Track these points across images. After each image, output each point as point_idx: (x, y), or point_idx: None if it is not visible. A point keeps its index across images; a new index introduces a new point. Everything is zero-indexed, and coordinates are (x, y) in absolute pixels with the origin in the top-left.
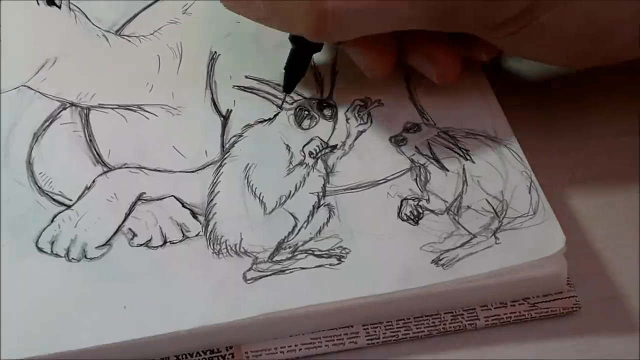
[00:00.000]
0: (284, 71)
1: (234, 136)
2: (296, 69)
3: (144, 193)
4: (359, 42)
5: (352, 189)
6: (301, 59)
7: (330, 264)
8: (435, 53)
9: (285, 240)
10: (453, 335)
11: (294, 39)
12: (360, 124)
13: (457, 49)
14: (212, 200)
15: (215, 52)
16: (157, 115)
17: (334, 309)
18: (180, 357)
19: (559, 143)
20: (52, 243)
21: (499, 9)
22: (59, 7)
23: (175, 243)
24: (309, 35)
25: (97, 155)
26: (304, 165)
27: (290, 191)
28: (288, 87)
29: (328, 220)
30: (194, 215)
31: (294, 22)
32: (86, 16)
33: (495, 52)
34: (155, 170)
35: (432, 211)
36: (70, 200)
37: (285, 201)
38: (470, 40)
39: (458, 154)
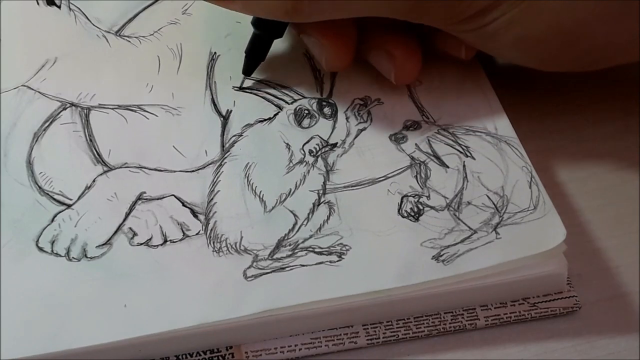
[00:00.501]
0: (244, 54)
1: (234, 136)
2: (257, 53)
3: (144, 192)
4: (321, 32)
5: (352, 186)
6: (263, 44)
7: (331, 261)
8: (395, 52)
9: (286, 238)
10: (453, 335)
11: (256, 24)
12: (360, 123)
13: (418, 52)
14: (212, 199)
15: (215, 53)
16: (157, 116)
17: (334, 308)
18: (180, 357)
19: (559, 142)
20: (53, 242)
21: (462, 3)
22: (59, 7)
23: (176, 242)
24: (283, 14)
25: (97, 155)
26: (304, 164)
27: (291, 189)
28: (247, 71)
29: (328, 218)
30: (194, 214)
31: (265, 3)
32: (86, 16)
33: (474, 50)
34: (155, 169)
35: (432, 207)
36: (71, 199)
37: (285, 199)
38: (448, 37)
39: (458, 150)
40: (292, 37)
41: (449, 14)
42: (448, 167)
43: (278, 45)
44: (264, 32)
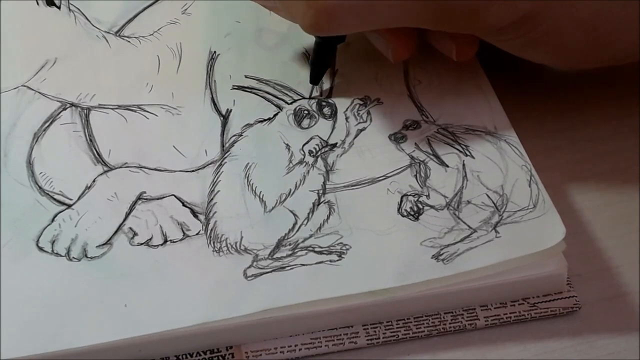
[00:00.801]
0: (310, 65)
1: (234, 135)
2: (322, 61)
3: (144, 192)
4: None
5: (352, 186)
6: (326, 51)
7: (331, 260)
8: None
9: (286, 238)
10: (453, 335)
11: None
12: (360, 122)
13: None
14: (212, 199)
15: (215, 52)
16: (157, 115)
17: (334, 308)
18: (180, 357)
19: (559, 142)
20: (53, 242)
21: (492, 15)
22: (59, 7)
23: (176, 242)
24: (306, 29)
25: (97, 155)
26: (304, 164)
27: (290, 189)
28: (315, 79)
29: (328, 217)
30: (194, 214)
31: (296, 16)
32: (86, 17)
33: (470, 54)
34: (155, 169)
35: (432, 207)
36: (71, 199)
37: (285, 199)
38: (442, 37)
39: (458, 149)
40: (293, 36)
41: (475, 27)
42: (448, 166)
43: (278, 46)
44: (325, 38)
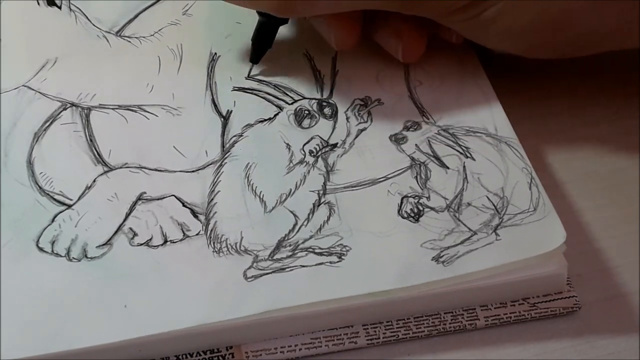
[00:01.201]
0: (250, 42)
1: (234, 136)
2: (263, 40)
3: (145, 193)
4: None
5: (352, 187)
6: (268, 31)
7: (331, 262)
8: (402, 30)
9: (286, 239)
10: (453, 335)
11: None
12: (361, 123)
13: (424, 29)
14: (212, 199)
15: (216, 54)
16: (157, 116)
17: (334, 309)
18: (180, 357)
19: (559, 142)
20: (53, 243)
21: None
22: (60, 7)
23: (176, 242)
24: (276, 11)
25: (97, 155)
26: (304, 164)
27: (291, 189)
28: (255, 58)
29: (328, 218)
30: (195, 214)
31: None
32: (86, 17)
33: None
34: (155, 170)
35: (432, 208)
36: (71, 200)
37: (285, 199)
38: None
39: (458, 151)
40: (293, 37)
41: (439, 7)
42: (448, 168)
43: (279, 46)
44: (269, 18)
